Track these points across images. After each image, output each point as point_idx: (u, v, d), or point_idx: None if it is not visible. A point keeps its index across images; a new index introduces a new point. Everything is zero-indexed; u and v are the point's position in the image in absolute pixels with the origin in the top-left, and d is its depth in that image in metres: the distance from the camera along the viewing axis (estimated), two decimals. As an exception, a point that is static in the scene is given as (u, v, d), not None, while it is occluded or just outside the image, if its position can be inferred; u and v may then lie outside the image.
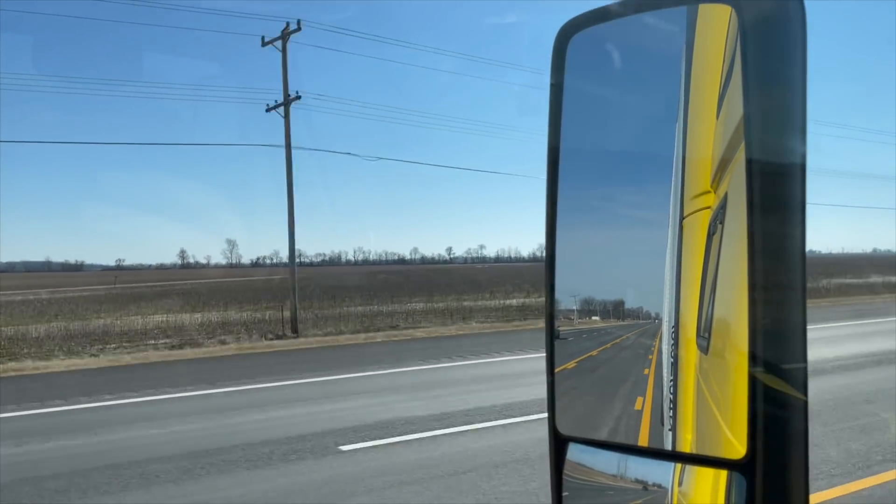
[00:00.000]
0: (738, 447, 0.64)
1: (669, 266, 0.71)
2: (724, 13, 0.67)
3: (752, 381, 0.63)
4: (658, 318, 0.73)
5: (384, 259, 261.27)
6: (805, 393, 0.64)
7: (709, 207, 0.68)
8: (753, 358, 0.63)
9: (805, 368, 0.64)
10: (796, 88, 0.64)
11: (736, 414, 0.64)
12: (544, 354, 0.85)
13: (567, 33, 0.81)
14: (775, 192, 0.64)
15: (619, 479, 0.77)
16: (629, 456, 0.76)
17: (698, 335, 0.69)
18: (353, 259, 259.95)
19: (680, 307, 0.71)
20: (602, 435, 0.79)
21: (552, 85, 0.83)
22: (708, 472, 0.68)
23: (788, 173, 0.64)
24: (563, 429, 0.83)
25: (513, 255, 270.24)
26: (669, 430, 0.71)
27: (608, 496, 0.78)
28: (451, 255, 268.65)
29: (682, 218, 0.70)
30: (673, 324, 0.71)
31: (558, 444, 0.83)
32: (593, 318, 0.82)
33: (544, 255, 0.85)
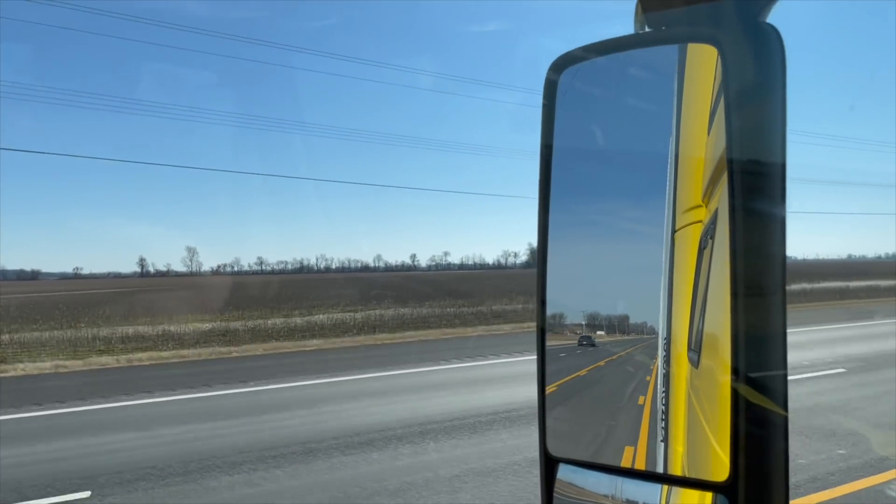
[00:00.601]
0: (722, 468, 0.65)
1: (662, 280, 0.72)
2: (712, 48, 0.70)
3: (735, 398, 0.64)
4: (654, 332, 0.74)
5: (347, 266, 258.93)
6: (785, 408, 0.66)
7: (700, 221, 0.70)
8: (735, 373, 0.64)
9: (785, 384, 0.66)
10: (776, 119, 0.67)
11: (721, 432, 0.65)
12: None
13: (560, 66, 0.85)
14: (756, 208, 0.67)
15: (608, 499, 0.78)
16: (617, 477, 0.77)
17: (689, 349, 0.70)
18: (314, 266, 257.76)
19: (672, 321, 0.71)
20: (592, 455, 0.81)
21: (544, 108, 0.85)
22: (694, 494, 0.69)
23: (769, 192, 0.67)
24: (553, 449, 0.84)
25: (477, 262, 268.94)
26: (661, 440, 0.72)
27: None
28: (415, 262, 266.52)
29: (674, 231, 0.72)
30: (665, 337, 0.72)
31: (548, 465, 0.84)
32: (598, 332, 0.82)
33: (536, 270, 0.86)
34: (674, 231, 0.72)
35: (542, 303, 0.85)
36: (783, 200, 0.67)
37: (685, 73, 0.72)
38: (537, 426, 0.86)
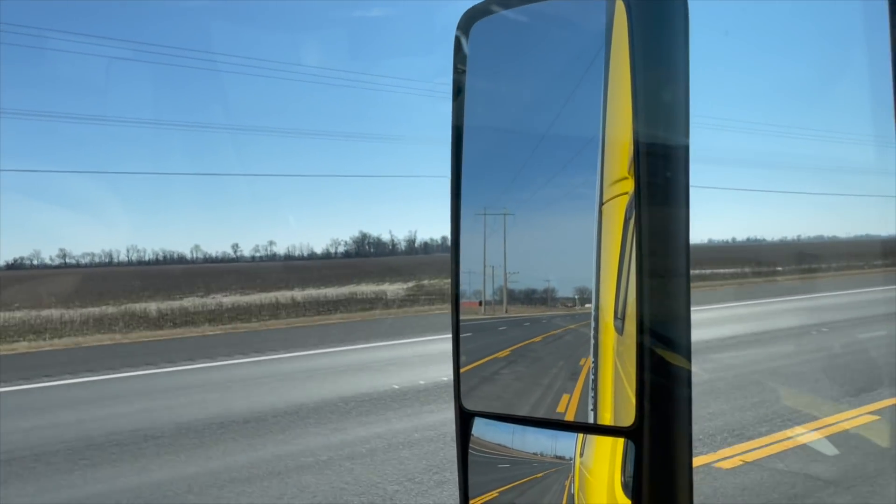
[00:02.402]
0: (629, 415, 0.68)
1: (587, 252, 0.73)
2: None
3: (640, 351, 0.67)
4: (576, 303, 0.75)
5: (161, 258, 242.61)
6: (689, 362, 0.69)
7: (626, 193, 0.70)
8: (641, 330, 0.67)
9: (689, 338, 0.69)
10: (679, 75, 0.68)
11: (631, 383, 0.68)
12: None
13: (469, 21, 0.81)
14: (660, 177, 0.68)
15: (524, 453, 0.79)
16: (533, 429, 0.78)
17: (615, 317, 0.71)
18: (126, 259, 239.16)
19: (601, 291, 0.72)
20: (508, 408, 0.81)
21: (456, 71, 0.82)
22: (606, 442, 0.71)
23: (673, 158, 0.69)
24: (468, 404, 0.85)
25: (305, 253, 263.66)
26: (591, 409, 0.73)
27: (514, 469, 0.80)
28: (238, 253, 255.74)
29: (601, 203, 0.72)
30: (595, 308, 0.73)
31: (464, 419, 0.85)
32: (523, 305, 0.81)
33: (450, 242, 0.86)
34: (601, 203, 0.72)
35: (457, 273, 0.86)
36: (686, 166, 0.69)
37: (612, 32, 0.70)
38: (452, 381, 0.86)
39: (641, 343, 0.67)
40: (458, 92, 0.82)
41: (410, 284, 38.84)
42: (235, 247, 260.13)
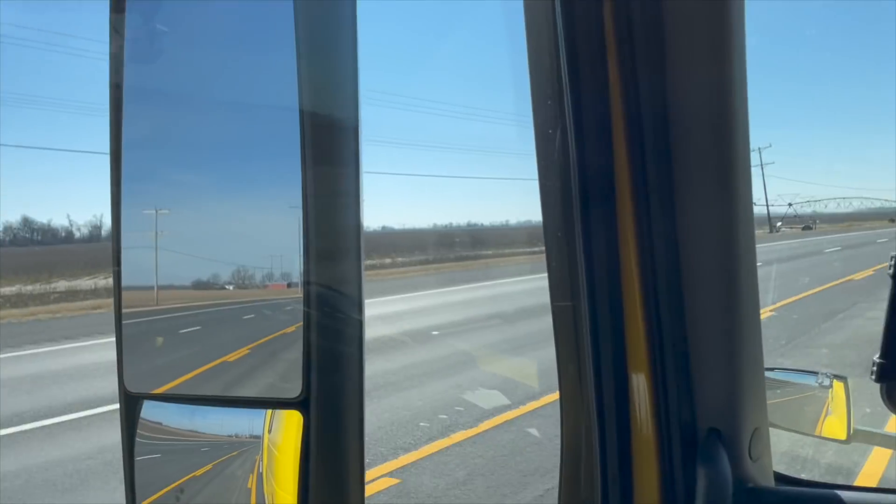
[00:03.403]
0: (297, 385, 0.66)
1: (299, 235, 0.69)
2: None
3: (307, 316, 0.65)
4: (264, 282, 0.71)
5: None
6: (361, 325, 0.68)
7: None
8: (308, 296, 0.65)
9: (361, 303, 0.68)
10: (347, 52, 0.66)
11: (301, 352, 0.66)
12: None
13: None
14: (327, 151, 0.66)
15: (208, 436, 0.73)
16: (217, 408, 0.73)
17: (302, 287, 0.69)
18: None
19: (291, 263, 0.68)
20: (180, 388, 0.74)
21: (115, 10, 0.70)
22: (294, 415, 0.68)
23: (342, 135, 0.67)
24: (135, 386, 0.76)
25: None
26: (278, 383, 0.70)
27: (196, 456, 0.74)
28: None
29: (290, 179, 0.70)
30: (283, 282, 0.70)
31: (129, 403, 0.76)
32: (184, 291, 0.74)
33: (111, 231, 0.78)
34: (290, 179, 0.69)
35: (118, 261, 0.76)
36: (357, 141, 0.68)
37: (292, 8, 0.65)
38: (116, 362, 0.77)
39: (308, 308, 0.65)
40: (118, 42, 0.71)
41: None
42: None
